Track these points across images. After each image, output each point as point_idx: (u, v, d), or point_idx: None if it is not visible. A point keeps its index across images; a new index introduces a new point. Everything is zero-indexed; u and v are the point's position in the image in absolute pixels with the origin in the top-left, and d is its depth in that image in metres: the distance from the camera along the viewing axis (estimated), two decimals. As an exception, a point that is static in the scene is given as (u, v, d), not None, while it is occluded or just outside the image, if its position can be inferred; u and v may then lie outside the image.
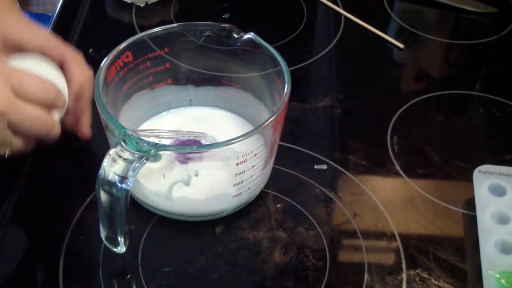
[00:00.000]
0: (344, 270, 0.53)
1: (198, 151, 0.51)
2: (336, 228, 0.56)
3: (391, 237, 0.55)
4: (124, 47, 0.54)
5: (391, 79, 0.74)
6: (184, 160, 0.52)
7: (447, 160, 0.63)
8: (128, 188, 0.45)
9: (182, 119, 0.62)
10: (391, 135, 0.65)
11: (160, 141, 0.52)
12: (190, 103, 0.63)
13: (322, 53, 0.75)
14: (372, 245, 0.55)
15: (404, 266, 0.53)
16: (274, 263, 0.53)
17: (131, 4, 0.80)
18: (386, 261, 0.54)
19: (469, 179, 0.58)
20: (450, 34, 0.82)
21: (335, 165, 0.61)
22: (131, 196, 0.50)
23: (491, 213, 0.55)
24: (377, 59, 0.76)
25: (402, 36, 0.78)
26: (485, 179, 0.57)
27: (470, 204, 0.57)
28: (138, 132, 0.49)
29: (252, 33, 0.56)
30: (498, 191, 0.57)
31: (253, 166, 0.52)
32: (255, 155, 0.51)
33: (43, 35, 0.54)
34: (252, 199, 0.57)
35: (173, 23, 0.60)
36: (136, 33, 0.56)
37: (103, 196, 0.45)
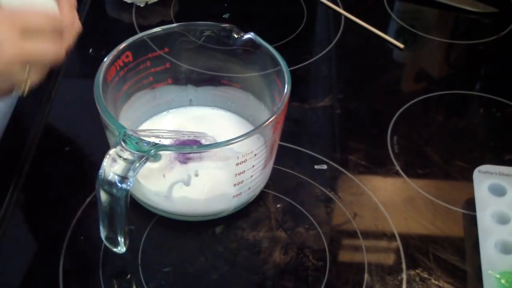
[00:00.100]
0: (344, 270, 0.53)
1: (198, 151, 0.51)
2: (336, 228, 0.56)
3: (391, 237, 0.55)
4: (124, 47, 0.54)
5: (391, 79, 0.74)
6: (184, 160, 0.52)
7: (447, 160, 0.63)
8: (128, 188, 0.45)
9: (182, 119, 0.62)
10: (391, 135, 0.65)
11: (160, 141, 0.52)
12: (190, 103, 0.63)
13: (322, 53, 0.75)
14: (372, 245, 0.55)
15: (404, 266, 0.53)
16: (274, 263, 0.53)
17: (131, 4, 0.80)
18: (386, 261, 0.54)
19: (469, 179, 0.58)
20: (450, 34, 0.82)
21: (335, 165, 0.61)
22: (131, 196, 0.50)
23: (491, 213, 0.55)
24: (377, 59, 0.76)
25: (402, 36, 0.78)
26: (485, 179, 0.57)
27: (470, 204, 0.57)
28: (138, 132, 0.49)
29: (252, 33, 0.56)
30: (498, 191, 0.57)
31: (253, 166, 0.52)
32: (255, 155, 0.51)
33: None
34: (252, 199, 0.57)
35: (173, 23, 0.60)
36: (136, 33, 0.56)
37: (103, 196, 0.45)
